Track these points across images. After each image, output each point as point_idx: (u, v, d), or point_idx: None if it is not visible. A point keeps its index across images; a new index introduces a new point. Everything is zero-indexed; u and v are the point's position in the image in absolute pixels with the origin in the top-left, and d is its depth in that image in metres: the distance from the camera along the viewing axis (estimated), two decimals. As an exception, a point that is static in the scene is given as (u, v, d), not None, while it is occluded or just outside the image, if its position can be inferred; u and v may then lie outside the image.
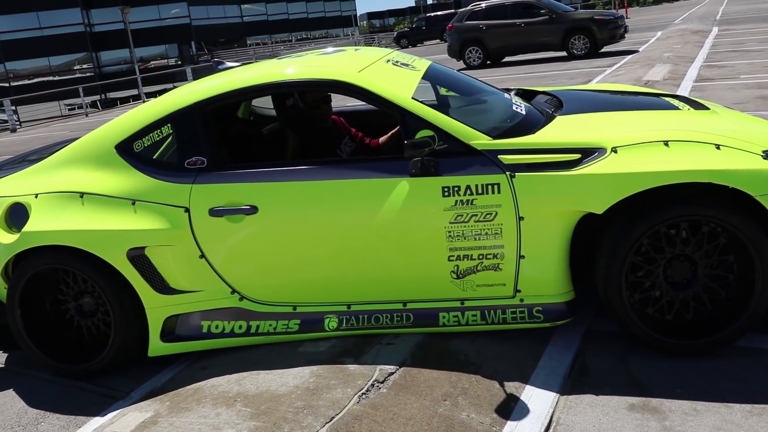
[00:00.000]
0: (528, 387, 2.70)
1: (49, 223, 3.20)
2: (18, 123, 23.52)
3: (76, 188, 3.26)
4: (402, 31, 42.22)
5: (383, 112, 3.13)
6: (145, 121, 3.25)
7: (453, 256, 2.91)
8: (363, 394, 2.65)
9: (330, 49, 3.88)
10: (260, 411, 2.62)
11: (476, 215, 2.84)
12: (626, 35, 16.90)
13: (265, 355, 3.10)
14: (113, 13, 44.70)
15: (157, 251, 3.12)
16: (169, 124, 3.21)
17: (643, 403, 2.55)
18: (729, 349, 2.83)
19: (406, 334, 3.06)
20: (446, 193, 2.85)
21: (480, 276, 2.92)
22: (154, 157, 3.22)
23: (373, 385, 2.71)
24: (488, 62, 17.36)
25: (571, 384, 2.73)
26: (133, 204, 3.15)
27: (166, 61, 52.59)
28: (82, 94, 25.16)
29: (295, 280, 3.12)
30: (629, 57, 14.54)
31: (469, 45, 17.28)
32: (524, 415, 2.53)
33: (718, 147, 2.74)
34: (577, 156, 2.79)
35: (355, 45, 36.00)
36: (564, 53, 16.14)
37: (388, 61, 3.52)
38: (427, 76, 3.54)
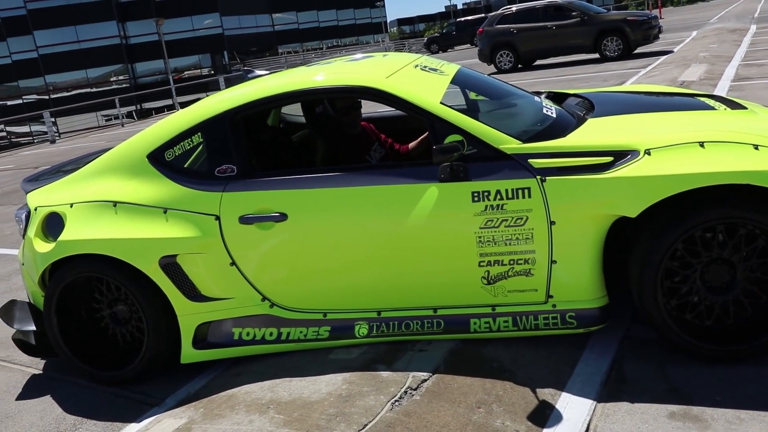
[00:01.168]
0: (564, 394, 2.65)
1: (83, 232, 3.26)
2: (57, 134, 24.12)
3: (110, 197, 3.31)
4: (432, 37, 42.21)
5: (413, 117, 3.12)
6: (176, 131, 3.29)
7: (483, 261, 2.87)
8: (396, 401, 2.63)
9: (359, 56, 3.89)
10: (293, 418, 2.62)
11: (507, 220, 2.81)
12: (660, 36, 16.64)
13: (298, 362, 3.10)
14: (148, 25, 45.65)
15: (189, 259, 3.15)
16: (199, 133, 3.24)
17: (683, 411, 2.47)
18: (773, 355, 2.74)
19: (438, 341, 3.03)
20: (476, 198, 2.83)
21: (511, 281, 2.88)
22: (186, 165, 3.25)
23: (405, 392, 2.69)
24: (519, 66, 17.24)
25: (608, 391, 2.67)
26: (165, 212, 3.18)
27: (199, 71, 53.43)
28: (118, 105, 25.69)
29: (325, 286, 3.12)
30: (664, 57, 14.29)
31: (499, 49, 17.19)
32: (560, 422, 2.48)
33: (756, 147, 2.66)
34: (610, 159, 2.74)
35: (386, 51, 36.13)
36: (596, 55, 15.94)
37: (417, 66, 3.50)
38: (455, 81, 3.52)
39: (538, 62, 17.68)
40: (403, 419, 2.50)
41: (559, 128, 3.08)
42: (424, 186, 2.90)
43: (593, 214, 2.73)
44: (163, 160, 3.29)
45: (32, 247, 3.41)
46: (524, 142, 2.90)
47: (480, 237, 2.84)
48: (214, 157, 3.21)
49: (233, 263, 3.14)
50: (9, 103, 47.92)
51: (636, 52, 15.91)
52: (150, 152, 3.32)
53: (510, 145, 2.88)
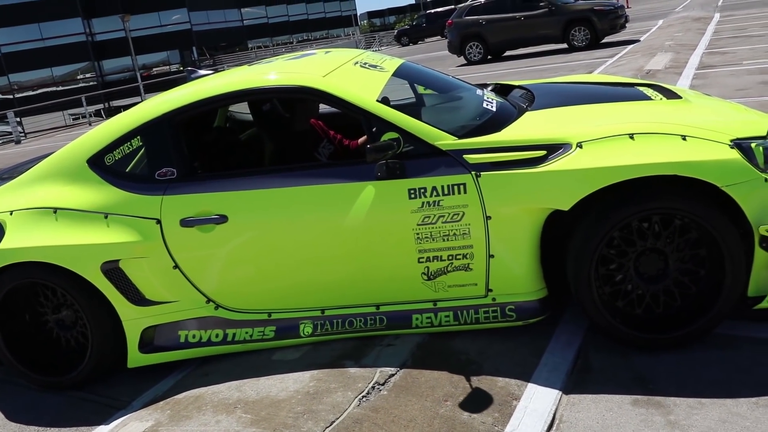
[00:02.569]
0: (530, 385, 2.67)
1: (23, 239, 3.21)
2: (23, 134, 23.62)
3: (50, 204, 3.26)
4: (402, 29, 42.10)
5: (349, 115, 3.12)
6: (115, 135, 3.26)
7: (423, 257, 2.90)
8: (363, 396, 2.63)
9: (300, 54, 3.87)
10: (260, 417, 2.60)
11: (443, 216, 2.83)
12: (627, 25, 16.79)
13: (266, 361, 3.08)
14: (114, 21, 44.88)
15: (132, 264, 3.13)
16: (138, 137, 3.21)
17: (647, 398, 2.51)
18: (734, 340, 2.79)
19: (407, 335, 3.03)
20: (413, 195, 2.84)
21: (451, 276, 2.91)
22: (127, 170, 3.22)
23: (373, 387, 2.69)
24: (489, 57, 17.29)
25: (574, 380, 2.70)
26: (106, 217, 3.15)
27: (168, 67, 52.72)
28: (85, 104, 25.24)
29: (268, 287, 3.12)
30: (631, 47, 14.45)
31: (469, 40, 17.21)
32: (527, 413, 2.50)
33: (684, 138, 2.71)
34: (543, 153, 2.77)
35: (356, 44, 35.96)
36: (565, 45, 16.06)
37: (357, 63, 3.50)
38: (398, 76, 3.53)
39: (508, 53, 17.76)
40: (371, 415, 2.50)
41: (497, 122, 3.10)
42: (362, 185, 2.91)
43: (528, 208, 2.77)
44: (103, 164, 3.26)
45: None
46: (460, 137, 2.92)
47: (418, 233, 2.86)
48: (154, 160, 3.18)
49: (176, 266, 3.12)
50: (-28, 103, 46.86)
51: (603, 41, 16.06)
52: (90, 157, 3.29)
53: (445, 141, 2.90)
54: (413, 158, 2.89)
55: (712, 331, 2.77)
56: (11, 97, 45.19)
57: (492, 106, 3.35)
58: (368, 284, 3.01)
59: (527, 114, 3.23)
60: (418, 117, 3.02)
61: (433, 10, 39.78)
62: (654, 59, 11.08)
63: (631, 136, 2.73)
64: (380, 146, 2.81)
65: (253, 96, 3.37)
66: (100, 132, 3.33)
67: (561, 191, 2.69)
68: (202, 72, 4.08)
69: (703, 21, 17.76)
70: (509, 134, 2.94)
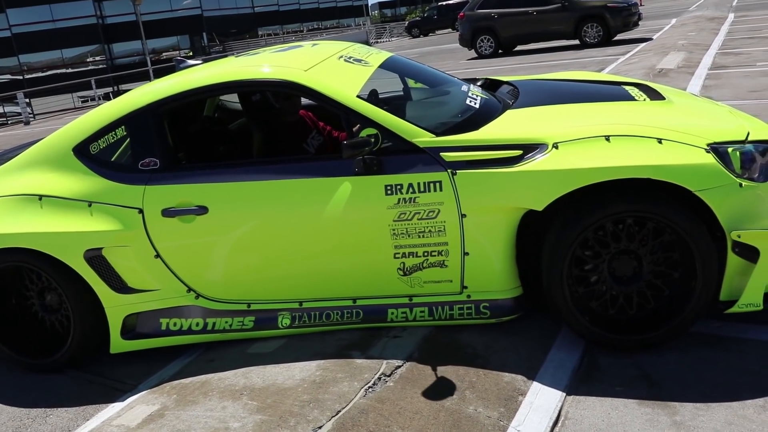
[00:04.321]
0: (536, 380, 2.67)
1: (8, 226, 3.25)
2: (32, 115, 23.68)
3: (35, 191, 3.30)
4: (413, 21, 41.94)
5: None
6: (100, 124, 3.29)
7: (398, 253, 2.92)
8: (370, 387, 2.64)
9: (287, 46, 3.88)
10: (266, 404, 2.61)
11: (419, 213, 2.84)
12: (640, 23, 16.68)
13: (273, 349, 3.09)
14: (125, 4, 44.76)
15: (114, 252, 3.17)
16: (123, 126, 3.24)
17: (653, 398, 2.51)
18: (740, 343, 2.79)
19: (414, 327, 3.04)
20: (389, 192, 2.86)
21: (426, 273, 2.93)
22: (111, 159, 3.25)
23: (380, 378, 2.70)
24: (500, 51, 17.21)
25: (580, 378, 2.70)
26: (90, 206, 3.18)
27: (177, 52, 52.64)
28: (94, 86, 25.29)
29: (247, 278, 3.15)
30: (643, 45, 14.36)
31: (480, 34, 17.12)
32: (532, 409, 2.50)
33: (660, 141, 2.71)
34: (519, 152, 2.78)
35: (366, 35, 35.81)
36: (577, 41, 15.97)
37: (341, 57, 3.50)
38: (380, 71, 3.53)
39: (519, 48, 17.68)
40: (377, 406, 2.51)
41: (478, 120, 3.10)
42: (339, 180, 2.94)
43: (502, 207, 2.78)
44: (88, 153, 3.29)
45: None
46: (438, 135, 2.93)
47: (394, 229, 2.88)
48: (137, 150, 3.21)
49: (157, 255, 3.16)
50: (-18, 83, 46.96)
51: (616, 38, 15.96)
52: (75, 145, 3.32)
53: (423, 138, 2.91)
54: (391, 154, 2.91)
55: (683, 334, 2.78)
56: (21, 78, 45.24)
57: (475, 103, 3.35)
58: (345, 278, 3.04)
59: (508, 112, 3.23)
60: (401, 112, 3.04)
61: (444, 2, 39.55)
62: (666, 58, 11.01)
63: (607, 138, 2.73)
64: (356, 143, 2.82)
65: (236, 89, 3.39)
66: (86, 121, 3.36)
67: (535, 191, 2.70)
68: (190, 62, 4.13)
69: (717, 21, 17.63)
70: (487, 132, 2.94)
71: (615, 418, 2.42)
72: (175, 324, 3.25)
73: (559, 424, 2.43)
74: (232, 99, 4.22)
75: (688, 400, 2.47)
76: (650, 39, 15.50)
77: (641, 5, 22.46)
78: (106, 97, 28.88)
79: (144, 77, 29.51)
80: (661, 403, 2.48)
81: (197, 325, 3.23)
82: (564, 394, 2.59)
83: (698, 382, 2.57)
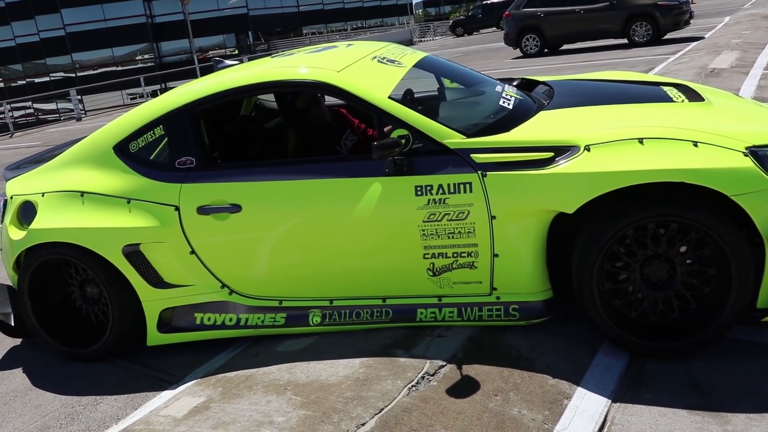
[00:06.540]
0: (582, 384, 2.63)
1: (52, 220, 3.38)
2: (83, 112, 24.35)
3: (78, 188, 3.41)
4: (457, 19, 41.68)
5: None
6: (139, 123, 3.37)
7: (428, 254, 2.92)
8: (413, 386, 2.64)
9: (322, 47, 3.89)
10: (310, 400, 2.64)
11: (449, 214, 2.83)
12: (691, 21, 16.26)
13: (316, 344, 3.12)
14: (173, 4, 45.66)
15: (151, 248, 3.26)
16: (161, 126, 3.32)
17: (703, 406, 2.45)
18: (798, 351, 2.70)
19: (458, 327, 3.03)
20: (419, 192, 2.86)
21: (456, 273, 2.93)
22: (150, 157, 3.34)
23: (423, 377, 2.69)
24: (546, 50, 16.99)
25: (627, 383, 2.65)
26: (129, 203, 3.28)
27: (223, 51, 53.45)
28: (143, 84, 25.86)
29: (279, 275, 3.19)
30: (694, 44, 14.00)
31: (526, 33, 16.92)
32: (577, 413, 2.47)
33: (695, 144, 2.63)
34: (550, 155, 2.74)
35: (410, 33, 35.75)
36: (625, 40, 15.65)
37: (374, 58, 3.50)
38: (414, 71, 3.52)
39: (565, 47, 17.42)
40: (420, 405, 2.51)
41: (510, 121, 3.07)
42: (370, 180, 2.95)
43: (533, 209, 2.75)
44: (128, 151, 3.38)
45: (7, 234, 3.56)
46: (469, 136, 2.91)
47: (424, 230, 2.88)
48: (174, 149, 3.29)
49: (193, 252, 3.23)
50: (37, 80, 48.40)
51: (666, 37, 15.58)
52: (116, 144, 3.41)
53: (454, 139, 2.89)
54: (422, 155, 2.91)
55: (718, 341, 2.71)
56: (73, 75, 46.56)
57: (509, 104, 3.32)
58: (375, 277, 3.06)
59: (541, 113, 3.19)
60: (433, 113, 3.03)
61: (489, 1, 39.26)
62: (719, 57, 10.71)
63: (641, 140, 2.67)
64: (386, 144, 2.82)
65: (270, 89, 3.43)
66: (126, 120, 3.45)
67: (565, 194, 2.66)
68: (228, 62, 4.22)
69: (772, 19, 17.06)
70: (519, 134, 2.92)
71: (663, 426, 2.37)
72: (209, 319, 3.32)
73: (605, 430, 2.39)
74: (270, 98, 4.28)
75: (742, 410, 2.40)
76: (702, 38, 15.10)
77: (693, 3, 21.89)
78: (154, 95, 29.50)
79: (191, 75, 30.03)
80: (712, 412, 2.41)
81: (230, 320, 3.29)
82: (610, 399, 2.54)
83: (751, 392, 2.50)
